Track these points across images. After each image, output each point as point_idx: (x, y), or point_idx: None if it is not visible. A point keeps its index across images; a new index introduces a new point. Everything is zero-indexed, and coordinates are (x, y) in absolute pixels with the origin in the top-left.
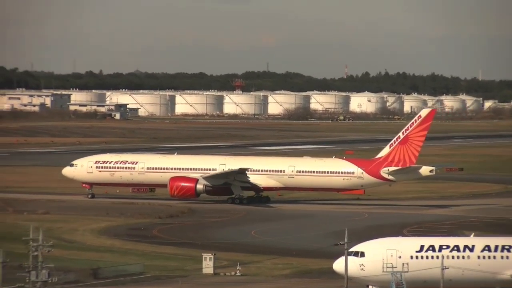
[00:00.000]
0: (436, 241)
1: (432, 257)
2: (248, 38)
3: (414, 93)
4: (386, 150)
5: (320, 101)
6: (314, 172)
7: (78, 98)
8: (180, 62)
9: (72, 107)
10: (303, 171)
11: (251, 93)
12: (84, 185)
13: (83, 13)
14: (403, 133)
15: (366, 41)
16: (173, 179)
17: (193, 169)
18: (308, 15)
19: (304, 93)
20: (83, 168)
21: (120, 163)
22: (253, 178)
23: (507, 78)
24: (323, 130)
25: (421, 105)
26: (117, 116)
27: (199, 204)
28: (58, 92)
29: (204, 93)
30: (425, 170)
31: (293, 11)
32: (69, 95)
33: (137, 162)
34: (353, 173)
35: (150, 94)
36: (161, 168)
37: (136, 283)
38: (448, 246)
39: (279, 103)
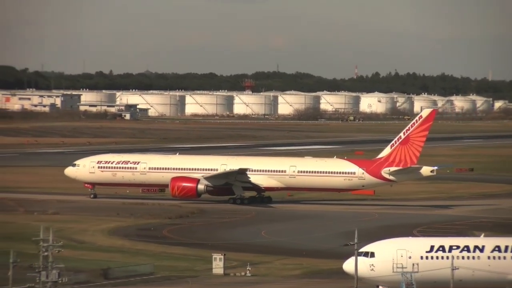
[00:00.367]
0: (446, 241)
1: (442, 257)
2: (258, 39)
3: (424, 94)
4: (387, 151)
5: (330, 102)
6: (315, 172)
7: (88, 98)
8: (190, 62)
9: (82, 108)
10: (304, 171)
11: (261, 93)
12: (86, 185)
13: (94, 14)
14: (404, 133)
15: (376, 41)
16: (175, 179)
17: (195, 169)
18: (318, 16)
19: (314, 94)
20: (85, 168)
21: (122, 163)
22: (254, 178)
23: None
24: (333, 130)
25: (431, 105)
26: (127, 116)
27: (209, 204)
28: (68, 92)
29: (214, 93)
30: (426, 170)
31: (303, 12)
32: (79, 96)
33: (139, 162)
34: (354, 173)
35: (160, 94)
36: (163, 168)
37: (146, 284)
38: (458, 247)
39: (289, 103)
